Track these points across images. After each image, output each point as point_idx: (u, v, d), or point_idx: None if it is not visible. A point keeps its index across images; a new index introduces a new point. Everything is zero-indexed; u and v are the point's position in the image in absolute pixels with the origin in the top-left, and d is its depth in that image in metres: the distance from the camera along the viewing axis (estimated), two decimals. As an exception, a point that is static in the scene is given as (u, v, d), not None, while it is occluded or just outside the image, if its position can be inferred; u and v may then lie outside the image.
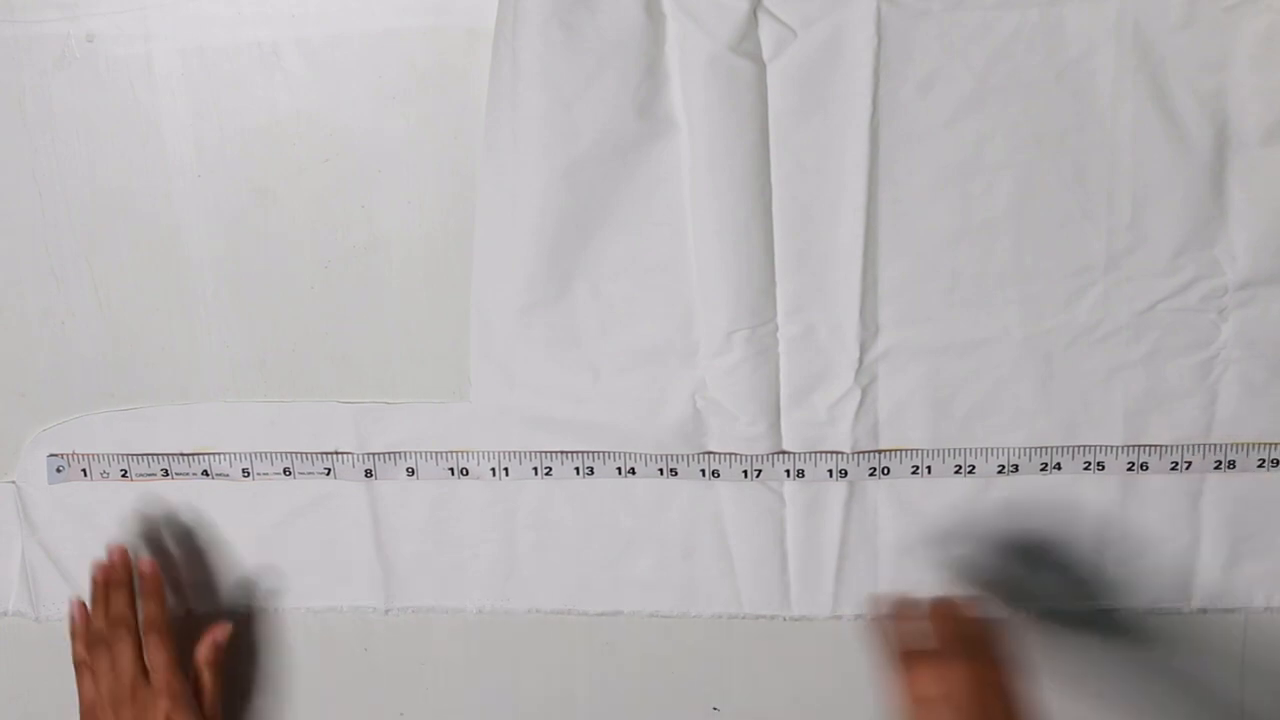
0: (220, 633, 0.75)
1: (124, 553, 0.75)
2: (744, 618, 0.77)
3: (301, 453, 0.75)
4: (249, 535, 0.78)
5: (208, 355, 0.74)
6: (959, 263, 0.68)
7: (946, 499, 0.73)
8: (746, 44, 0.64)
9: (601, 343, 0.71)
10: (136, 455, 0.76)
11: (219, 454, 0.76)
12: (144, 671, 0.71)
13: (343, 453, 0.75)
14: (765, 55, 0.65)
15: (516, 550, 0.76)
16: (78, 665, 0.73)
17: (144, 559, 0.75)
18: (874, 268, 0.68)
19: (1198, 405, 0.70)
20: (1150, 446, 0.71)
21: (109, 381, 0.75)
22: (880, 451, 0.72)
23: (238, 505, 0.77)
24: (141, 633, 0.73)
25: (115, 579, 0.74)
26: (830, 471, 0.73)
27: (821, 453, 0.72)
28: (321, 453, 0.75)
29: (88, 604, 0.75)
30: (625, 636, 0.78)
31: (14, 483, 0.77)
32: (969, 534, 0.74)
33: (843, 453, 0.72)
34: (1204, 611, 0.74)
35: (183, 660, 0.73)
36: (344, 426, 0.75)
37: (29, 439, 0.76)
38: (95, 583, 0.75)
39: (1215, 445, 0.71)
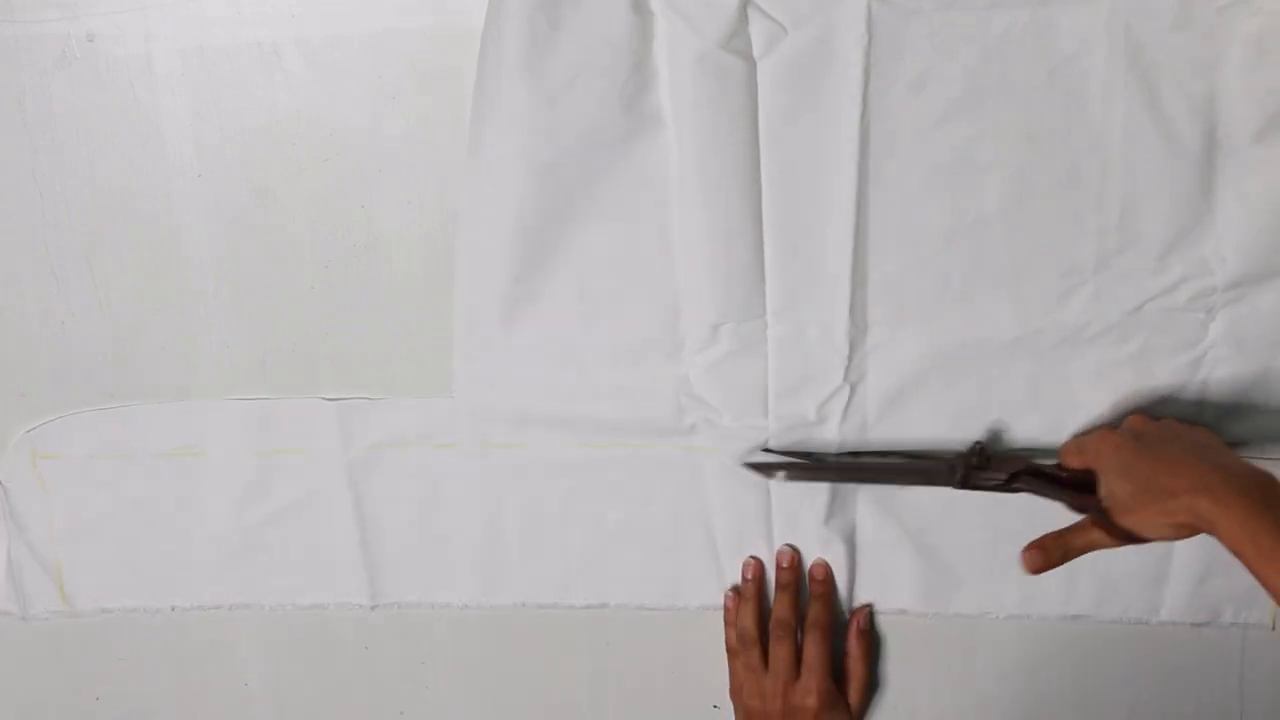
0: (864, 620, 0.76)
1: (793, 557, 0.76)
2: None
3: (286, 450, 0.76)
4: (235, 531, 0.78)
5: (207, 355, 0.75)
6: (949, 262, 0.68)
7: (928, 497, 0.73)
8: (736, 41, 0.64)
9: (585, 338, 0.71)
10: (122, 453, 0.76)
11: (204, 451, 0.76)
12: (796, 671, 0.74)
13: (327, 449, 0.75)
14: (755, 53, 0.65)
15: (502, 545, 0.77)
16: (730, 653, 0.76)
17: (817, 564, 0.75)
18: (864, 266, 0.68)
19: (1186, 404, 0.70)
20: None
21: (109, 381, 0.75)
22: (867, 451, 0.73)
23: (223, 501, 0.77)
24: (803, 631, 0.74)
25: (784, 580, 0.75)
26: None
27: (808, 451, 0.73)
28: (306, 450, 0.75)
29: (743, 600, 0.76)
30: (624, 635, 0.79)
31: (0, 483, 0.78)
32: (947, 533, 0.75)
33: (829, 451, 0.73)
34: (1173, 624, 0.75)
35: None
36: (328, 423, 0.75)
37: (14, 438, 0.77)
38: (747, 576, 0.76)
39: None
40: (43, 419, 0.76)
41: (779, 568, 0.76)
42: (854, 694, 0.75)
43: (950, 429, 0.72)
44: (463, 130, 0.68)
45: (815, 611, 0.75)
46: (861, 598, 0.76)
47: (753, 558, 0.76)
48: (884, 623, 0.77)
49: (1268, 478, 0.60)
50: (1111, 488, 0.64)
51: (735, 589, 0.76)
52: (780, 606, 0.75)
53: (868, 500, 0.74)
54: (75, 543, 0.78)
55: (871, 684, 0.77)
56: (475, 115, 0.67)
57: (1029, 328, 0.69)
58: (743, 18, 0.64)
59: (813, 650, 0.74)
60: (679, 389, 0.72)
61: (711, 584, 0.77)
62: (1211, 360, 0.69)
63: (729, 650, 0.76)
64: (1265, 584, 0.56)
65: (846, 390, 0.71)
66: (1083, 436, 0.68)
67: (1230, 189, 0.66)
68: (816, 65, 0.65)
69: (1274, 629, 0.74)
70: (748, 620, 0.75)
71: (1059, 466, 0.68)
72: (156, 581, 0.79)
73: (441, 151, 0.69)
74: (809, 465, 0.72)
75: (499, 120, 0.66)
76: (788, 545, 0.75)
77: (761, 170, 0.67)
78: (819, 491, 0.73)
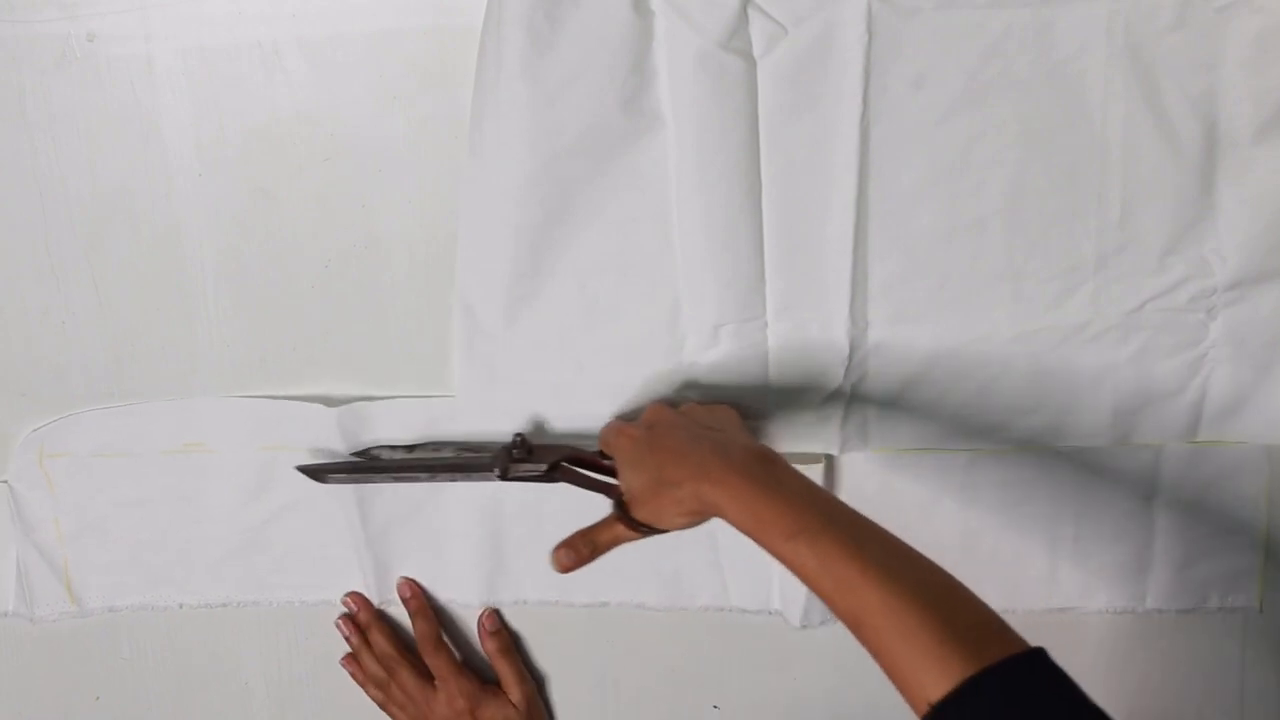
0: (489, 622, 0.78)
1: (359, 596, 0.79)
2: (731, 610, 0.77)
3: (289, 448, 0.75)
4: (240, 530, 0.78)
5: (208, 354, 0.75)
6: (949, 261, 0.68)
7: (906, 498, 0.74)
8: (737, 40, 0.64)
9: (586, 338, 0.71)
10: (128, 451, 0.76)
11: (210, 449, 0.76)
12: (431, 684, 0.76)
13: (329, 448, 0.75)
14: (756, 52, 0.65)
15: (504, 543, 0.77)
16: (381, 706, 0.78)
17: (400, 583, 0.78)
18: (864, 266, 0.68)
19: (1185, 404, 0.70)
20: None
21: (109, 381, 0.75)
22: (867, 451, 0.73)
23: (228, 499, 0.77)
24: (419, 649, 0.77)
25: (364, 621, 0.78)
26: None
27: (809, 452, 0.73)
28: (308, 448, 0.75)
29: (355, 657, 0.79)
30: (624, 634, 0.79)
31: (6, 482, 0.77)
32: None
33: (831, 452, 0.73)
34: (1160, 611, 0.75)
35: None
36: (329, 422, 0.74)
37: (21, 438, 0.76)
38: (347, 636, 0.79)
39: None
40: (44, 419, 0.76)
41: (354, 613, 0.79)
42: (510, 688, 0.77)
43: (950, 428, 0.72)
44: (463, 130, 0.68)
45: (419, 628, 0.77)
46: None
47: (345, 613, 0.79)
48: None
49: (767, 454, 0.61)
50: (627, 481, 0.65)
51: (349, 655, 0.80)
52: (377, 641, 0.78)
53: (848, 500, 0.73)
54: (82, 541, 0.78)
55: (535, 675, 0.79)
56: (475, 115, 0.67)
57: (1029, 327, 0.69)
58: (743, 17, 0.64)
59: (433, 662, 0.77)
60: (680, 388, 0.72)
61: (713, 583, 0.77)
62: (1211, 360, 0.69)
63: (381, 706, 0.79)
64: (772, 553, 0.57)
65: (847, 389, 0.71)
66: (606, 426, 0.69)
67: (1230, 188, 0.66)
68: (817, 65, 0.65)
69: (1260, 611, 0.74)
70: (373, 667, 0.78)
71: (601, 454, 0.69)
72: (163, 579, 0.79)
73: (441, 151, 0.69)
74: (360, 465, 0.74)
75: (499, 120, 0.66)
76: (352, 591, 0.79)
77: (761, 170, 0.67)
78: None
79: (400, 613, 0.79)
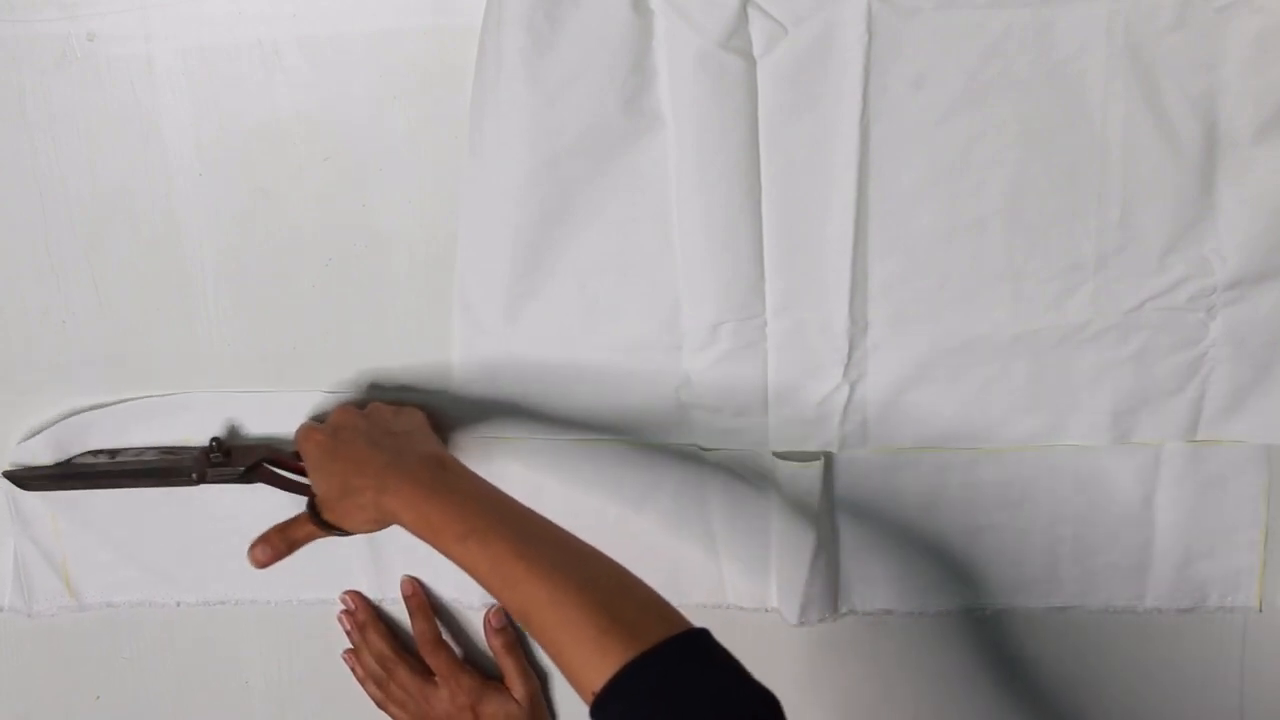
0: (495, 619, 0.78)
1: (357, 595, 0.79)
2: (728, 608, 0.77)
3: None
4: (239, 529, 0.77)
5: (208, 353, 0.75)
6: (949, 261, 0.68)
7: (908, 496, 0.74)
8: (736, 40, 0.64)
9: (585, 336, 0.71)
10: (126, 449, 0.76)
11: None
12: (430, 681, 0.76)
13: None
14: (756, 51, 0.65)
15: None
16: (380, 705, 0.78)
17: (403, 581, 0.78)
18: (864, 265, 0.68)
19: (1185, 403, 0.70)
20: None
21: (109, 380, 0.75)
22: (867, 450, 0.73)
23: (228, 498, 0.77)
24: (418, 647, 0.77)
25: (360, 620, 0.78)
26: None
27: (808, 451, 0.73)
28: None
29: (355, 653, 0.79)
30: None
31: (5, 477, 0.77)
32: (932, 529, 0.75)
33: (830, 451, 0.73)
34: (1159, 611, 0.75)
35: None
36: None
37: (19, 434, 0.76)
38: (348, 632, 0.79)
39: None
40: (44, 418, 0.76)
41: (352, 610, 0.79)
42: (514, 684, 0.77)
43: (950, 427, 0.72)
44: (463, 130, 0.68)
45: (418, 626, 0.78)
46: (847, 599, 0.77)
47: (343, 610, 0.79)
48: (876, 623, 0.77)
49: (441, 460, 0.64)
50: (316, 485, 0.67)
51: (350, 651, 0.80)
52: (374, 642, 0.78)
53: (847, 500, 0.74)
54: (81, 539, 0.78)
55: (539, 672, 0.79)
56: (475, 115, 0.67)
57: (1029, 326, 0.69)
58: (743, 16, 0.64)
59: (433, 661, 0.77)
60: (679, 387, 0.72)
61: (711, 580, 0.77)
62: (1211, 360, 0.69)
63: (380, 704, 0.79)
64: (448, 556, 0.59)
65: (846, 389, 0.71)
66: (299, 428, 0.70)
67: (1230, 188, 0.66)
68: (817, 64, 0.65)
69: (1260, 611, 0.75)
70: (372, 665, 0.78)
71: (297, 454, 0.70)
72: (162, 577, 0.79)
73: (441, 151, 0.69)
74: (65, 473, 0.74)
75: (499, 120, 0.66)
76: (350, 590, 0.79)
77: (761, 169, 0.67)
78: (814, 488, 0.73)
79: (400, 609, 0.79)
